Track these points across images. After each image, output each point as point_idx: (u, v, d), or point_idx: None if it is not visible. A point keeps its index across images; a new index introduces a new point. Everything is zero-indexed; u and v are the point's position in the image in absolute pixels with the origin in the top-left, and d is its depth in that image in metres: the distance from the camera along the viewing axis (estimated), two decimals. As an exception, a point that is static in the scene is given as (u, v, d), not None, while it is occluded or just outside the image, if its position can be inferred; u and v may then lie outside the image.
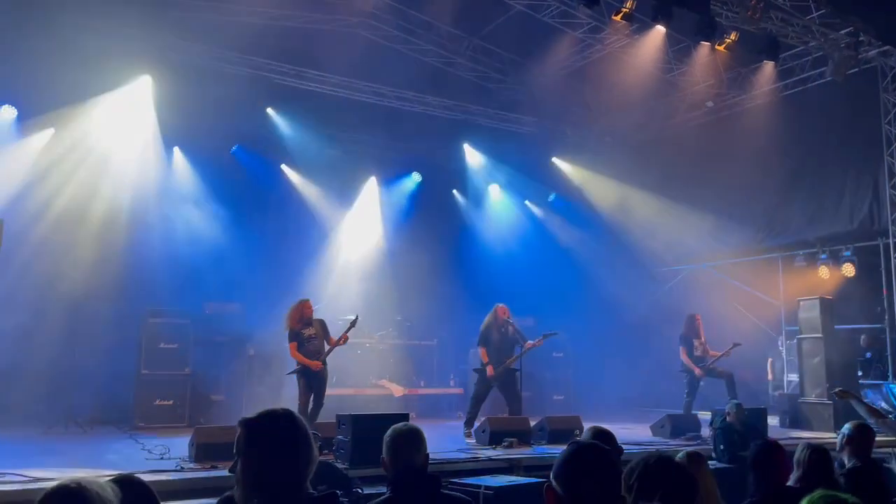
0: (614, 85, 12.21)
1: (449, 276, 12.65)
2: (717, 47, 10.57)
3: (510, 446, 7.74)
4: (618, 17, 9.85)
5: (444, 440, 8.04)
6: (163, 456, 6.84)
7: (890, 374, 10.66)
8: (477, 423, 8.59)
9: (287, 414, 2.19)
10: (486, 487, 5.32)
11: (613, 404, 12.19)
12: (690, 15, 9.74)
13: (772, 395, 12.22)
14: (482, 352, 9.17)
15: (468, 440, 8.46)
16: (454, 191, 14.85)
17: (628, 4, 9.69)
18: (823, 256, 11.80)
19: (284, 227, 12.22)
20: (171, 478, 5.72)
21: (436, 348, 12.82)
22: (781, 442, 4.27)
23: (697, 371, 10.03)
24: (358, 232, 13.41)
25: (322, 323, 8.32)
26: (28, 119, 10.31)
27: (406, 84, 12.75)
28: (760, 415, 8.84)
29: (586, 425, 5.66)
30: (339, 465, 6.03)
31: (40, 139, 10.41)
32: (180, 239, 10.95)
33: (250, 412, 2.22)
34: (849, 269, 11.42)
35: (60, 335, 9.41)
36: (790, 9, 10.24)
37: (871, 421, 5.23)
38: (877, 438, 4.67)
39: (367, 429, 6.17)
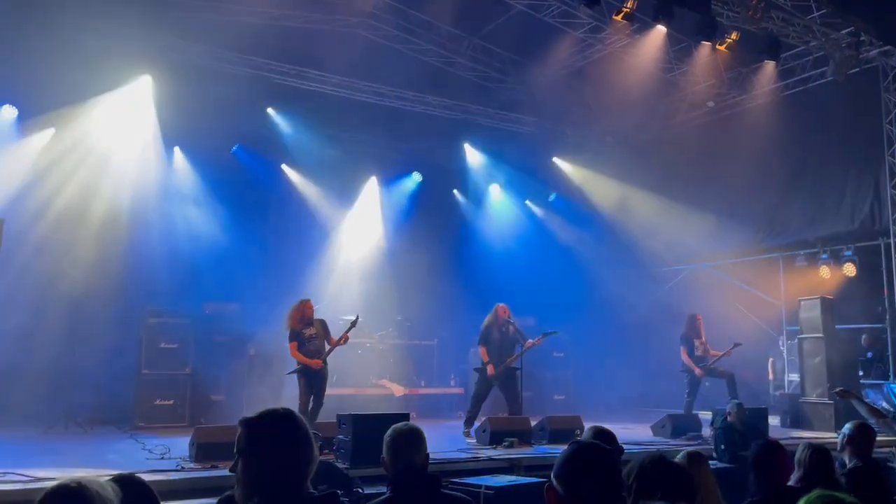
0: (615, 85, 12.20)
1: (449, 275, 12.65)
2: (717, 47, 10.58)
3: (511, 446, 7.74)
4: (618, 17, 9.85)
5: (445, 440, 8.03)
6: (163, 456, 6.84)
7: (891, 373, 10.65)
8: (477, 423, 8.59)
9: (288, 413, 2.19)
10: (487, 487, 5.32)
11: (614, 404, 12.18)
12: (691, 15, 9.73)
13: (773, 394, 12.23)
14: (482, 351, 9.18)
15: (468, 440, 8.45)
16: (455, 191, 14.85)
17: (629, 4, 9.68)
18: (824, 256, 11.79)
19: (285, 226, 12.22)
20: (171, 477, 5.72)
21: (436, 348, 12.81)
22: (782, 442, 4.26)
23: (698, 371, 10.03)
24: (358, 232, 13.41)
25: (323, 323, 8.33)
26: (28, 119, 10.31)
27: (406, 84, 12.75)
28: (761, 415, 8.84)
29: (587, 425, 5.65)
30: (340, 465, 6.02)
31: (41, 139, 10.41)
32: (181, 239, 10.94)
33: (251, 412, 2.22)
34: (850, 269, 11.42)
35: (60, 335, 9.41)
36: (791, 8, 10.24)
37: (872, 421, 5.23)
38: (878, 438, 4.67)
39: (367, 429, 6.16)
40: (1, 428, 8.36)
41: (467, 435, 8.76)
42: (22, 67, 9.35)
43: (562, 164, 14.83)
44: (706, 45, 10.79)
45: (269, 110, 12.45)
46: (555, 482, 1.99)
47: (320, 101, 12.24)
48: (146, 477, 2.47)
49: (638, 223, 13.92)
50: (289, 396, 8.55)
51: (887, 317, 10.89)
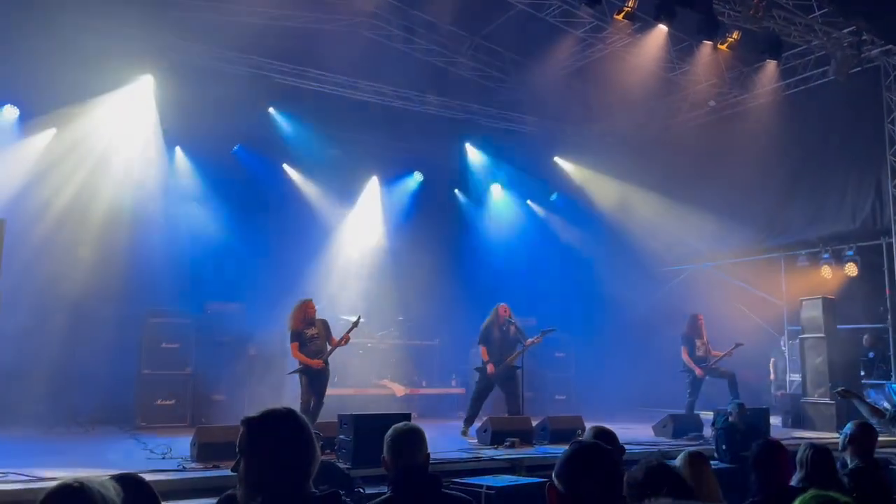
0: (616, 84, 12.19)
1: (450, 275, 12.64)
2: (719, 46, 10.56)
3: (512, 446, 7.73)
4: (620, 17, 9.83)
5: (446, 440, 8.03)
6: (164, 456, 6.84)
7: (892, 373, 10.64)
8: (478, 423, 8.58)
9: (290, 413, 2.19)
10: (488, 487, 5.31)
11: (615, 404, 12.17)
12: (693, 14, 9.72)
13: (774, 394, 12.23)
14: (482, 350, 9.19)
15: (469, 440, 8.45)
16: (456, 190, 14.84)
17: (630, 3, 9.66)
18: (826, 256, 11.78)
19: (286, 226, 12.21)
20: (172, 477, 5.73)
21: (437, 348, 12.81)
22: (784, 442, 4.26)
23: (698, 371, 10.02)
24: (359, 231, 13.40)
25: (324, 323, 8.33)
26: (30, 119, 10.31)
27: (407, 83, 12.74)
28: (763, 415, 8.83)
29: (588, 425, 5.64)
30: (341, 465, 6.02)
31: (42, 139, 10.41)
32: (182, 239, 10.94)
33: (252, 412, 2.21)
34: (851, 269, 11.41)
35: (62, 335, 9.41)
36: (793, 7, 10.23)
37: (873, 421, 5.23)
38: (880, 439, 4.66)
39: (368, 428, 6.15)
40: (2, 428, 8.37)
41: (466, 434, 8.76)
42: (23, 67, 9.34)
43: (563, 163, 14.82)
44: (707, 45, 10.78)
45: (270, 110, 12.45)
46: (556, 482, 1.99)
47: (321, 100, 12.23)
48: (147, 477, 2.47)
49: (639, 223, 13.91)
50: (290, 396, 8.56)
51: (889, 316, 10.88)
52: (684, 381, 10.27)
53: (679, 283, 14.30)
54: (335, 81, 12.37)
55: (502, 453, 7.30)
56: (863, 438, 4.36)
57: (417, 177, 14.21)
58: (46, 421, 8.81)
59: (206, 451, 6.35)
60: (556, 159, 14.80)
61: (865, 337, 11.62)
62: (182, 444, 7.04)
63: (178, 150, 11.67)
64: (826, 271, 11.69)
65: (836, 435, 5.66)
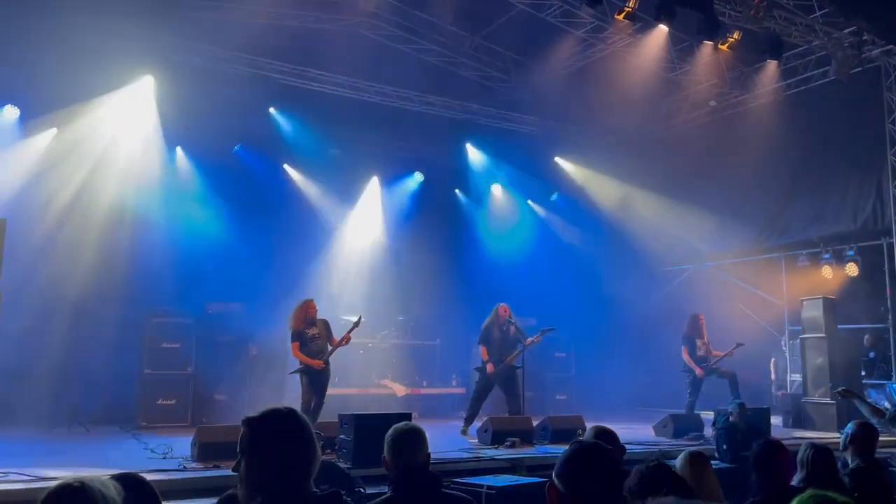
0: (617, 84, 12.19)
1: (451, 275, 12.64)
2: (720, 46, 10.55)
3: (513, 446, 7.74)
4: (620, 17, 9.83)
5: (447, 440, 8.03)
6: (165, 455, 6.85)
7: (893, 373, 10.64)
8: (479, 423, 8.58)
9: (291, 413, 2.19)
10: (489, 487, 5.32)
11: (616, 404, 12.17)
12: (693, 14, 9.72)
13: (775, 394, 12.22)
14: (482, 350, 9.19)
15: (470, 440, 8.45)
16: (456, 190, 14.83)
17: (631, 4, 9.65)
18: (827, 256, 11.77)
19: (287, 226, 12.21)
20: (173, 477, 5.74)
21: (438, 348, 12.81)
22: (785, 442, 4.26)
23: (699, 371, 10.02)
24: (360, 232, 13.40)
25: (326, 323, 8.34)
26: (31, 119, 10.31)
27: (408, 83, 12.74)
28: (763, 415, 8.83)
29: (589, 425, 5.64)
30: (342, 465, 6.02)
31: (43, 139, 10.41)
32: (183, 239, 10.94)
33: (253, 411, 2.21)
34: (852, 269, 11.40)
35: (63, 335, 9.43)
36: (793, 8, 10.23)
37: (874, 421, 5.23)
38: (880, 438, 4.66)
39: (369, 428, 6.16)
40: (4, 428, 8.39)
41: (466, 434, 8.77)
42: (24, 68, 9.36)
43: (564, 163, 14.81)
44: (708, 45, 10.77)
45: (271, 110, 12.44)
46: (556, 481, 1.99)
47: (322, 100, 12.23)
48: (148, 476, 2.47)
49: (640, 223, 13.92)
50: (291, 396, 8.56)
51: (890, 316, 10.87)
52: (685, 381, 10.27)
53: (680, 283, 14.29)
54: (336, 81, 12.37)
55: (503, 453, 7.31)
56: (864, 438, 4.36)
57: (418, 177, 14.21)
58: (47, 421, 8.83)
59: (206, 451, 6.36)
60: (557, 159, 14.79)
61: (866, 337, 11.62)
62: (183, 443, 7.05)
63: (178, 150, 11.67)
64: (827, 271, 11.68)
65: (837, 435, 5.66)
